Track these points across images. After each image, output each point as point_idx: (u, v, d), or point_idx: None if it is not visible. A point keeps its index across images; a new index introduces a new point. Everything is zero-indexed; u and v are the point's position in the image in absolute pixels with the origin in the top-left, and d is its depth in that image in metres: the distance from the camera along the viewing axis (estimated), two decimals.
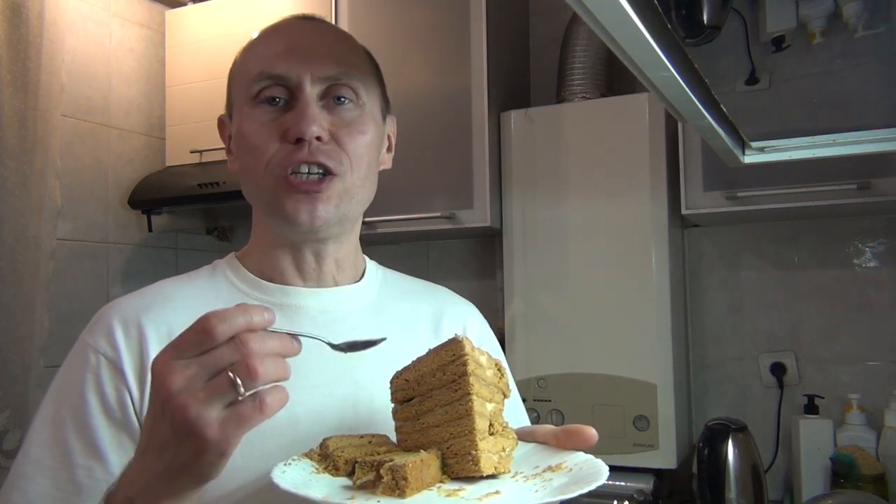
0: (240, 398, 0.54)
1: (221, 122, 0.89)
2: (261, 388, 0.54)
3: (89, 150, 2.07)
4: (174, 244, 2.32)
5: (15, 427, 1.69)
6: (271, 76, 0.79)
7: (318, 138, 0.77)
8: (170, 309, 0.78)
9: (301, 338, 0.59)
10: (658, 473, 1.60)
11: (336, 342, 0.64)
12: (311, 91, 0.79)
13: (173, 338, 0.75)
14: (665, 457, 1.58)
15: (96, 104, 2.09)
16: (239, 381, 0.53)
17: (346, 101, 0.81)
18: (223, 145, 0.88)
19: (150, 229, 2.18)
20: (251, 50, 0.84)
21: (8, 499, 0.71)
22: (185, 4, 2.25)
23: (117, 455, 0.71)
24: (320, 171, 0.78)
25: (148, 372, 0.73)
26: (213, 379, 0.54)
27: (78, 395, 0.73)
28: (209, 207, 2.24)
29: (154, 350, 0.74)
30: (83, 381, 0.74)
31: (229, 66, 0.88)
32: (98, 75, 2.10)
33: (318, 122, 0.77)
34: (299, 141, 0.77)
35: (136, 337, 0.75)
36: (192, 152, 2.08)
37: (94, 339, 0.76)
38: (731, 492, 1.53)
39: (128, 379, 0.73)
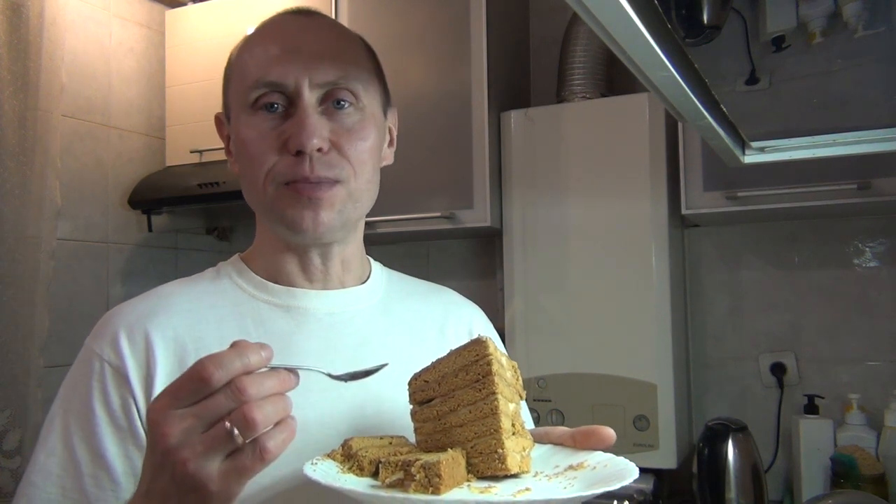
0: (240, 447, 0.53)
1: (219, 120, 0.87)
2: (261, 433, 0.53)
3: (89, 150, 2.07)
4: (174, 244, 2.32)
5: (15, 427, 1.69)
6: (267, 83, 0.76)
7: (319, 149, 0.75)
8: (175, 313, 0.78)
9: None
10: (658, 473, 1.60)
11: (336, 372, 0.64)
12: (310, 97, 0.76)
13: (179, 342, 0.75)
14: (665, 457, 1.57)
15: (96, 104, 2.09)
16: (236, 431, 0.52)
17: (347, 105, 0.78)
18: (223, 144, 0.87)
19: (150, 229, 2.18)
20: (245, 51, 0.81)
21: None
22: (185, 4, 2.25)
23: (123, 464, 0.71)
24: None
25: (155, 379, 0.73)
26: (211, 430, 0.53)
27: (84, 404, 0.73)
28: (209, 207, 2.24)
29: (161, 356, 0.74)
30: (89, 389, 0.73)
31: None
32: (98, 75, 2.10)
33: (318, 134, 0.75)
34: (300, 153, 0.75)
35: (142, 344, 0.74)
36: (192, 152, 2.08)
37: (99, 346, 0.75)
38: (731, 492, 1.53)
39: (133, 387, 0.73)
